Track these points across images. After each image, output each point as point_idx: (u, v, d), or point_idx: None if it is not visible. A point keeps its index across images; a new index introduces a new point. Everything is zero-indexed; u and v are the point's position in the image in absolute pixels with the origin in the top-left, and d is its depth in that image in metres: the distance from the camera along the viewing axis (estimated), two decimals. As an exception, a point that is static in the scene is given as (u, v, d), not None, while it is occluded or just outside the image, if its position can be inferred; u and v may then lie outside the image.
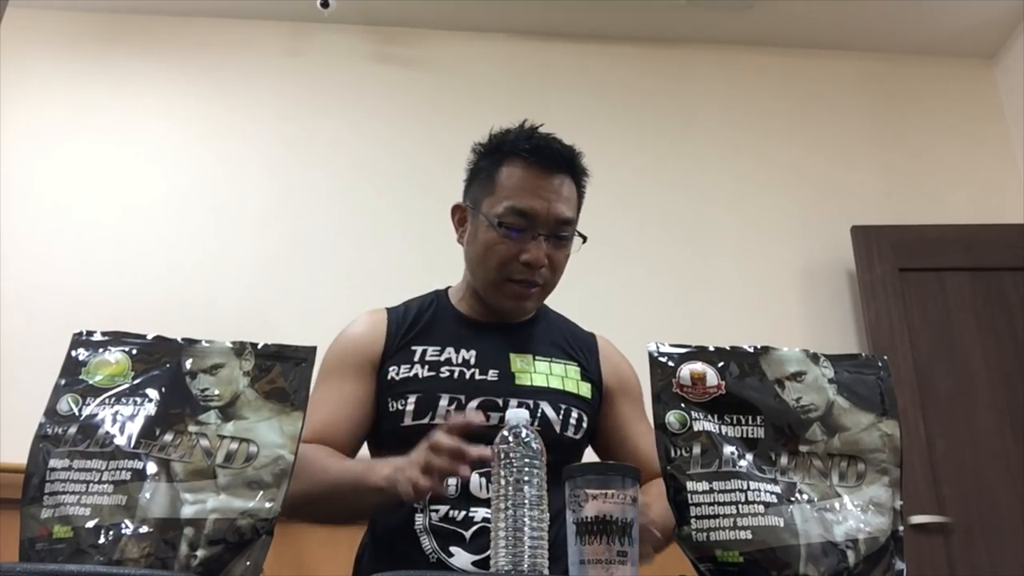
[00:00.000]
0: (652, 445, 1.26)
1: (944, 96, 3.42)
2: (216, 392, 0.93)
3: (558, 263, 1.38)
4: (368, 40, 3.36)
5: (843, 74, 3.44)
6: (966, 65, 3.47)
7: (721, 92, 3.38)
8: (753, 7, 3.26)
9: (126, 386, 0.93)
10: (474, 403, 1.28)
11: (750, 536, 0.86)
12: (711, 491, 0.89)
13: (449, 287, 1.50)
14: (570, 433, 1.32)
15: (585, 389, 1.38)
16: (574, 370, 1.39)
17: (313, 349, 0.99)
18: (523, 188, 1.34)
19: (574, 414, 1.33)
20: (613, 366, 1.45)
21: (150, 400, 0.92)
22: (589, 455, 1.44)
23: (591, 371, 1.41)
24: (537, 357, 1.38)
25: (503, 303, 1.38)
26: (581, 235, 1.41)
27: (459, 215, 1.45)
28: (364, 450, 1.39)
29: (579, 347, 1.44)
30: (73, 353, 0.95)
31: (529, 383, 1.33)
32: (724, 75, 3.41)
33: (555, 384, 1.35)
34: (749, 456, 0.91)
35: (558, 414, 1.32)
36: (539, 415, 1.30)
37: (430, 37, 3.38)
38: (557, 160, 1.37)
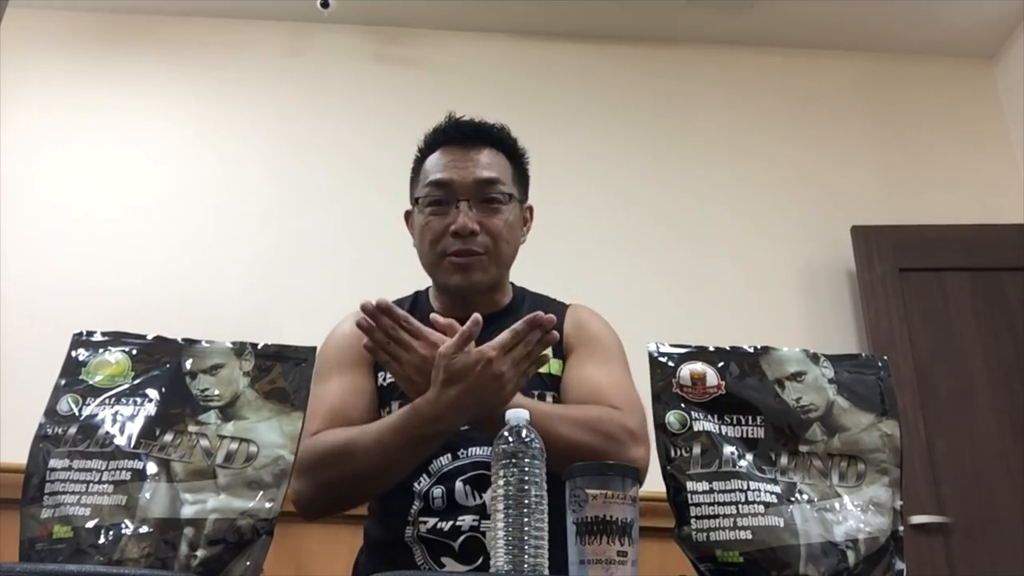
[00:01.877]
0: (591, 382, 1.27)
1: (944, 96, 3.42)
2: (216, 392, 0.93)
3: (494, 228, 1.35)
4: (368, 40, 3.36)
5: (843, 74, 3.44)
6: (966, 65, 3.47)
7: (721, 92, 3.38)
8: (753, 7, 3.26)
9: (126, 386, 0.93)
10: None
11: (750, 536, 0.86)
12: (711, 491, 0.89)
13: (429, 287, 1.49)
14: None
15: (556, 367, 1.35)
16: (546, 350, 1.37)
17: (313, 349, 0.99)
18: (439, 166, 1.38)
19: (548, 397, 1.31)
20: (574, 328, 1.40)
21: (150, 400, 0.92)
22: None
23: (560, 344, 1.37)
24: None
25: (448, 280, 1.36)
26: (512, 195, 1.39)
27: (410, 220, 1.47)
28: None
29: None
30: (73, 353, 0.95)
31: None
32: (724, 75, 3.41)
33: None
34: (749, 456, 0.91)
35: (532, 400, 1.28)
36: None
37: (430, 37, 3.38)
38: (468, 134, 1.40)
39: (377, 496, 1.34)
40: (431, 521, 1.22)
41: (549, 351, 1.34)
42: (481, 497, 1.21)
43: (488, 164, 1.38)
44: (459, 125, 1.41)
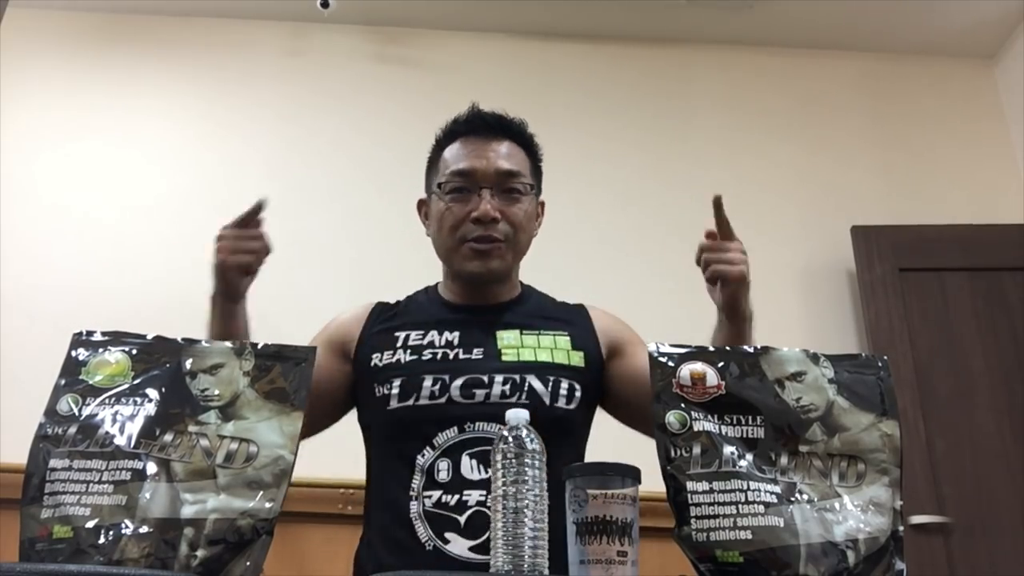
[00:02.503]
0: None
1: (944, 96, 3.42)
2: (216, 392, 0.93)
3: (514, 217, 1.38)
4: (368, 40, 3.36)
5: (843, 74, 3.44)
6: (966, 65, 3.47)
7: (721, 92, 3.38)
8: (753, 7, 3.26)
9: (126, 386, 0.93)
10: (458, 382, 1.28)
11: (750, 536, 0.86)
12: (711, 491, 0.89)
13: (439, 283, 1.51)
14: (561, 404, 1.30)
15: (577, 358, 1.35)
16: (564, 340, 1.37)
17: (313, 349, 0.99)
18: (461, 155, 1.40)
19: (564, 384, 1.31)
20: (607, 325, 1.44)
21: (150, 400, 0.92)
22: (600, 425, 1.41)
23: (583, 338, 1.39)
24: (525, 331, 1.37)
25: (466, 266, 1.38)
26: (532, 185, 1.42)
27: (423, 209, 1.49)
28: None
29: (568, 317, 1.44)
30: (73, 353, 0.95)
31: (515, 358, 1.32)
32: (724, 75, 3.41)
33: (543, 356, 1.33)
34: (749, 456, 0.91)
35: (546, 386, 1.29)
36: (526, 389, 1.28)
37: (430, 37, 3.38)
38: (490, 124, 1.43)
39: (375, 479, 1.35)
40: (436, 494, 1.22)
41: (568, 343, 1.37)
42: (487, 472, 1.20)
43: (509, 155, 1.41)
44: (481, 116, 1.44)
